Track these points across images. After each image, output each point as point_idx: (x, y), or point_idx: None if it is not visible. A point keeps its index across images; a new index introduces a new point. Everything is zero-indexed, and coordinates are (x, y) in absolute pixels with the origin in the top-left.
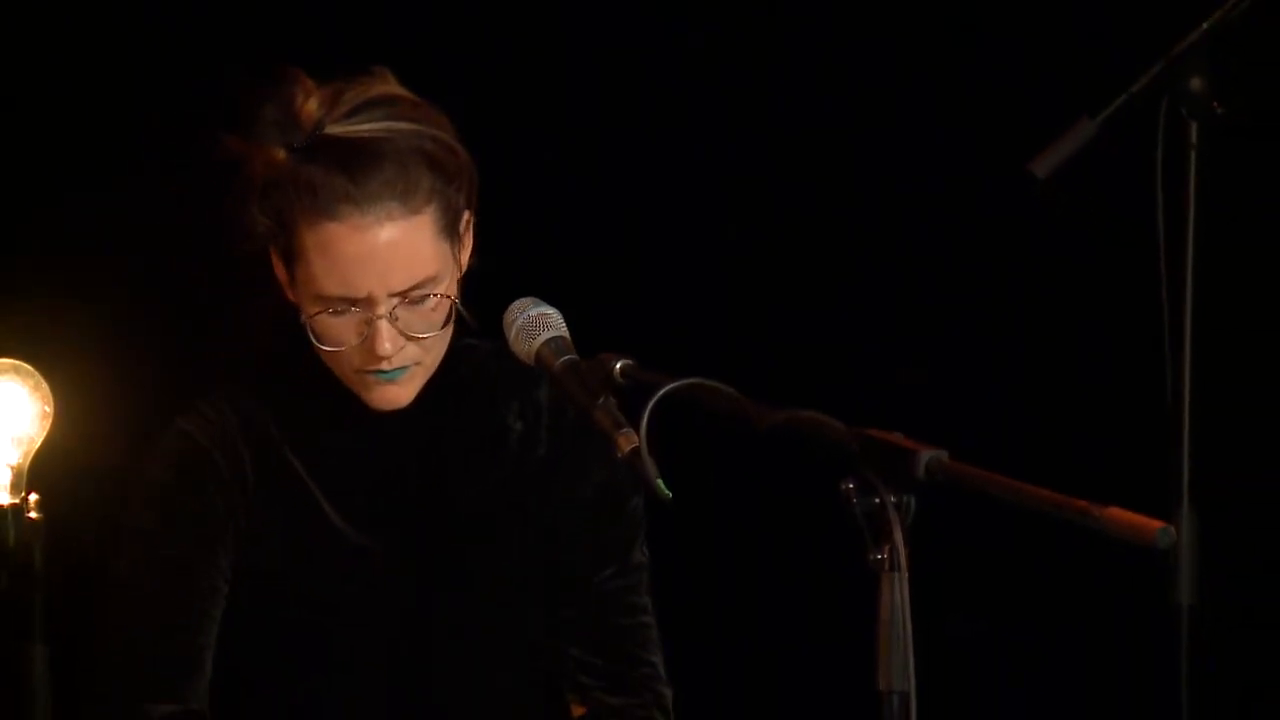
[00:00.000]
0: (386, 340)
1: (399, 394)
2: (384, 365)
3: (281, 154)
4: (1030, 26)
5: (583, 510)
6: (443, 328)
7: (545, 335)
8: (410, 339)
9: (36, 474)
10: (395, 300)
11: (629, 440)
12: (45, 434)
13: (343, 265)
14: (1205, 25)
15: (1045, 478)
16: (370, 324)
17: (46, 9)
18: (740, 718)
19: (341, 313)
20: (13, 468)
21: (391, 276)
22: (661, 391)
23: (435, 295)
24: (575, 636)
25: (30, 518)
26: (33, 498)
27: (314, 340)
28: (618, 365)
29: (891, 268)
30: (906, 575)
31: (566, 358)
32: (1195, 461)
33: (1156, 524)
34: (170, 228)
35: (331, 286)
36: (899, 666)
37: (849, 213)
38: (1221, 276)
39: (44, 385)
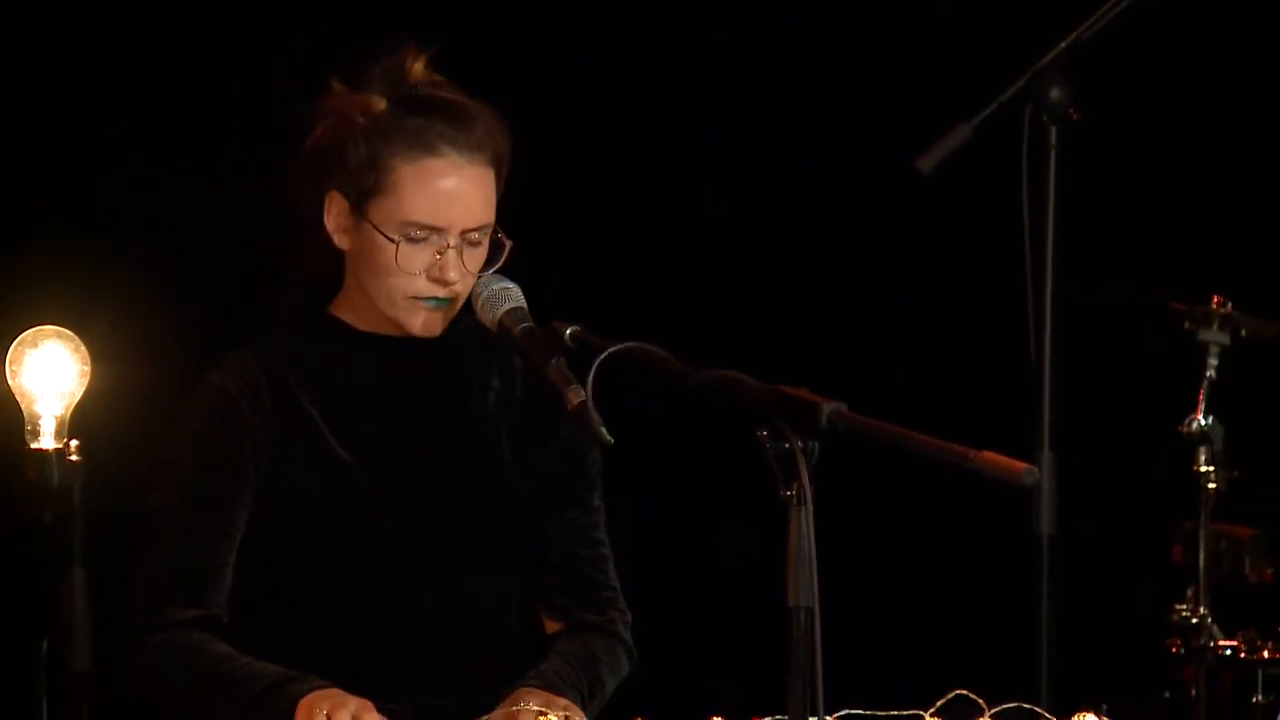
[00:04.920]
0: (453, 268)
1: (438, 321)
2: (440, 292)
3: (382, 103)
4: (910, 48)
5: (552, 459)
6: (484, 270)
7: (507, 305)
8: (464, 274)
9: (76, 423)
10: (461, 237)
11: (577, 394)
12: (84, 389)
13: (435, 196)
14: (1062, 44)
15: (930, 426)
16: (442, 253)
17: None
18: (672, 632)
19: (419, 240)
20: (56, 418)
21: (469, 213)
22: (605, 353)
23: (497, 235)
24: (552, 566)
25: (71, 460)
26: (73, 443)
27: (394, 262)
28: (568, 331)
29: (804, 254)
30: (811, 509)
31: (525, 325)
32: (1054, 412)
33: (1022, 465)
34: (197, 205)
35: (422, 214)
36: (805, 586)
37: (770, 200)
38: (1076, 257)
39: (82, 348)
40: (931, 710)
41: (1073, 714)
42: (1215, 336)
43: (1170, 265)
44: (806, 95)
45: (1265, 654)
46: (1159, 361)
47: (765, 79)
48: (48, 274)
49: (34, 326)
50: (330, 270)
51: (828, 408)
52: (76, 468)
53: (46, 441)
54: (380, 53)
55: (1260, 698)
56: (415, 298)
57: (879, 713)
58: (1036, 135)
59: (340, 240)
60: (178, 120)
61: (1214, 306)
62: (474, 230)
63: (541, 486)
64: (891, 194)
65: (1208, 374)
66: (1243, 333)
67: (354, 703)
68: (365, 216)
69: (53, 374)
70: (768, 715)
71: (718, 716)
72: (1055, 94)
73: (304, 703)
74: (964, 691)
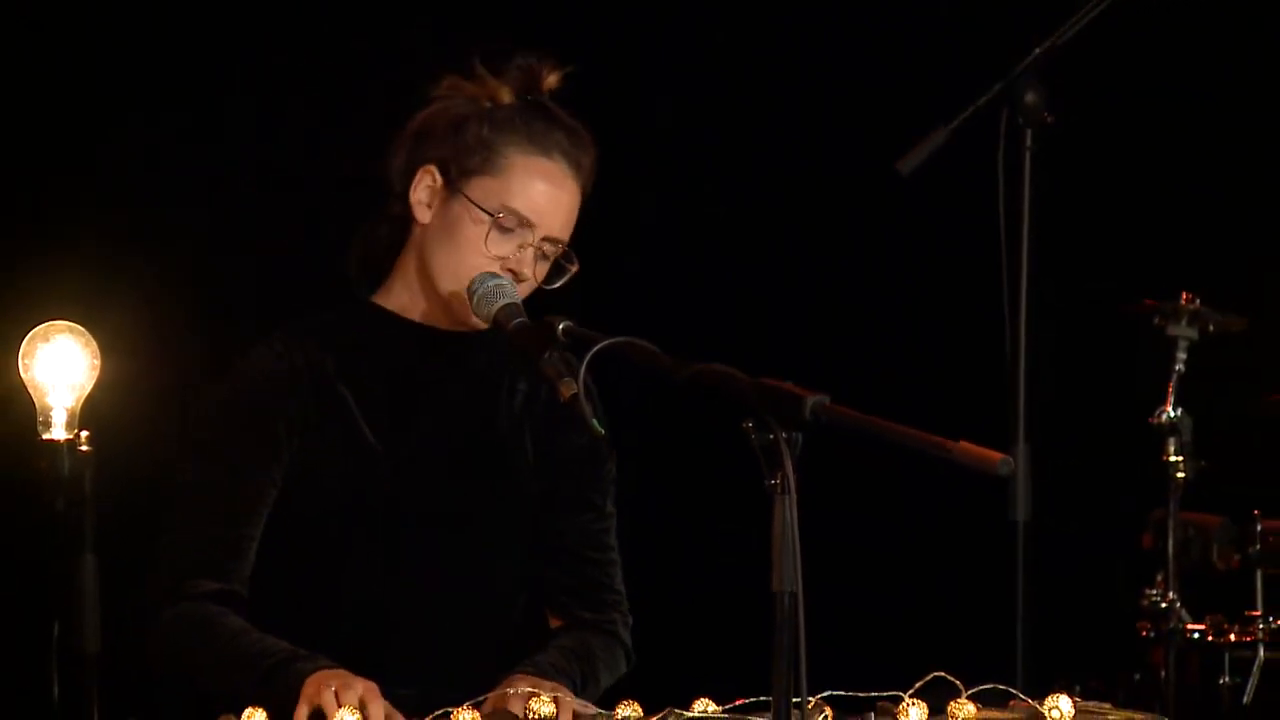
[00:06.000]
0: (528, 265)
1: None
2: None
3: (510, 97)
4: (898, 54)
5: (570, 464)
6: (539, 283)
7: (501, 301)
8: (531, 277)
9: (87, 415)
10: (540, 243)
11: (569, 388)
12: (94, 382)
13: (537, 193)
14: (1037, 50)
15: (910, 418)
16: (521, 249)
17: None
18: (661, 616)
19: (508, 230)
20: (68, 410)
21: (556, 221)
22: (596, 347)
23: (565, 253)
24: (560, 564)
25: (82, 450)
26: (83, 434)
27: (480, 241)
28: (560, 326)
29: (789, 253)
30: (795, 497)
31: (518, 320)
32: (1029, 404)
33: (998, 455)
34: (204, 203)
35: (521, 204)
36: (789, 572)
37: (754, 200)
38: (1050, 256)
39: (93, 342)
40: (911, 691)
41: (1047, 695)
42: (1184, 332)
43: (1140, 263)
44: (793, 97)
45: (1232, 637)
46: (1130, 355)
47: (752, 80)
48: (59, 270)
49: (46, 321)
50: (389, 247)
51: (811, 400)
52: (87, 458)
53: (58, 432)
54: (521, 52)
55: (1227, 679)
56: None
57: (860, 694)
58: (1012, 138)
59: (421, 213)
60: (186, 119)
61: (1183, 303)
62: (553, 241)
63: (558, 489)
64: (873, 195)
65: (1176, 368)
66: (1210, 328)
67: (361, 684)
68: (461, 192)
69: (64, 367)
70: (753, 697)
71: (705, 698)
72: (1030, 98)
73: (311, 680)
74: (942, 673)
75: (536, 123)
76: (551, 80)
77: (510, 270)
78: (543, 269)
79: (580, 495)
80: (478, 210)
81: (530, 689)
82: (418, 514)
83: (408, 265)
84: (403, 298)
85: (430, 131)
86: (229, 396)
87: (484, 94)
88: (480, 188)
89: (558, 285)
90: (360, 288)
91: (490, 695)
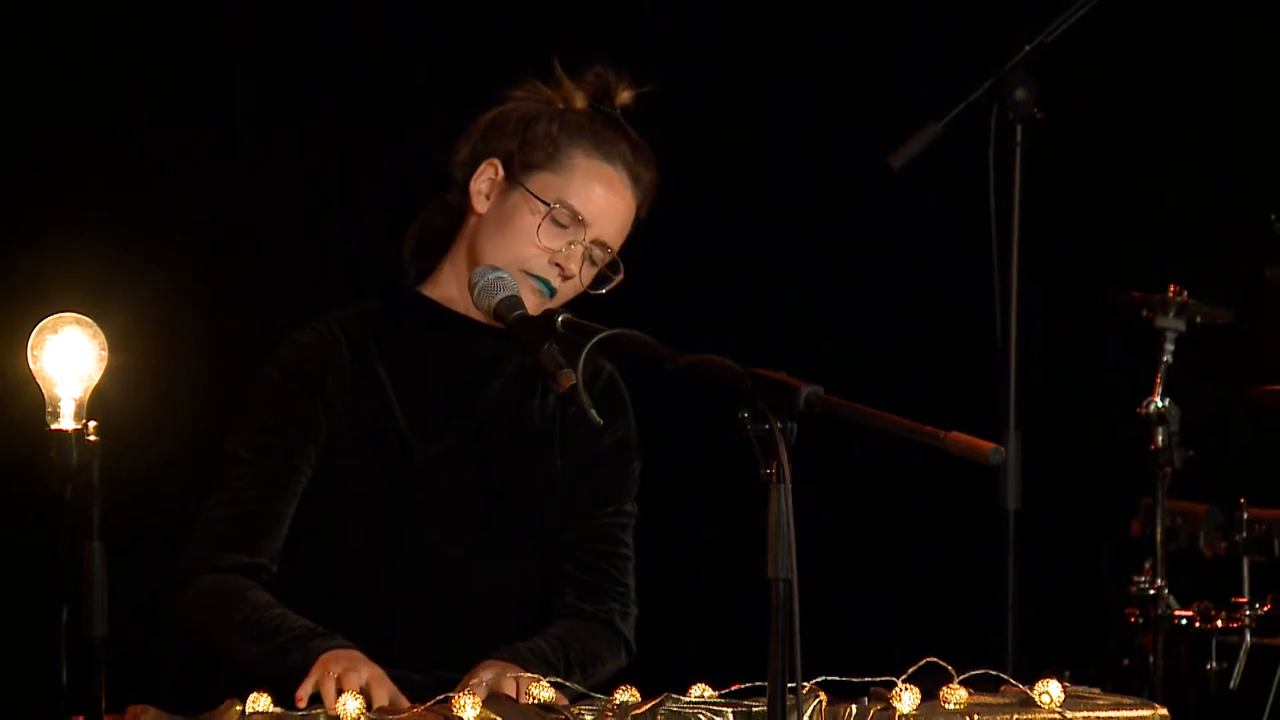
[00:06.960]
0: (575, 261)
1: (534, 309)
2: (554, 277)
3: (582, 102)
4: (890, 50)
5: (599, 459)
6: (584, 286)
7: (501, 294)
8: (577, 275)
9: (94, 405)
10: (590, 244)
11: (568, 378)
12: (101, 373)
13: (595, 196)
14: (1027, 47)
15: (902, 408)
16: (571, 246)
17: None
18: (659, 603)
19: (561, 226)
20: (76, 400)
21: (609, 226)
22: (595, 339)
23: (612, 262)
24: (571, 558)
25: (89, 440)
26: (91, 424)
27: (533, 231)
28: (559, 318)
29: (785, 247)
30: (789, 486)
31: (518, 312)
32: (1020, 394)
33: (989, 444)
34: (211, 198)
35: (578, 202)
36: (784, 559)
37: (751, 193)
38: (1039, 248)
39: (100, 334)
40: (904, 677)
41: (1037, 680)
42: (1171, 323)
43: (1129, 256)
44: (785, 92)
45: (1218, 623)
46: (1118, 346)
47: (744, 73)
48: (67, 263)
49: (54, 313)
50: (442, 238)
51: (805, 390)
52: (94, 447)
53: (66, 423)
54: (603, 63)
55: (1214, 664)
56: (530, 274)
57: (854, 679)
58: (1003, 133)
59: (479, 203)
60: (194, 114)
61: (1170, 295)
62: (602, 245)
63: (581, 486)
64: (865, 188)
65: (1164, 358)
66: (1197, 320)
67: (367, 671)
68: (521, 184)
69: (72, 359)
70: (749, 682)
71: (701, 683)
72: (1020, 94)
73: (321, 659)
74: (934, 659)
75: (605, 131)
76: (625, 96)
77: (557, 264)
78: (589, 273)
79: (601, 492)
80: (535, 201)
81: (488, 679)
82: (439, 502)
83: (458, 256)
84: (449, 289)
85: (500, 126)
86: (273, 374)
87: (559, 96)
88: (540, 181)
89: (602, 292)
90: (408, 277)
91: (462, 682)
